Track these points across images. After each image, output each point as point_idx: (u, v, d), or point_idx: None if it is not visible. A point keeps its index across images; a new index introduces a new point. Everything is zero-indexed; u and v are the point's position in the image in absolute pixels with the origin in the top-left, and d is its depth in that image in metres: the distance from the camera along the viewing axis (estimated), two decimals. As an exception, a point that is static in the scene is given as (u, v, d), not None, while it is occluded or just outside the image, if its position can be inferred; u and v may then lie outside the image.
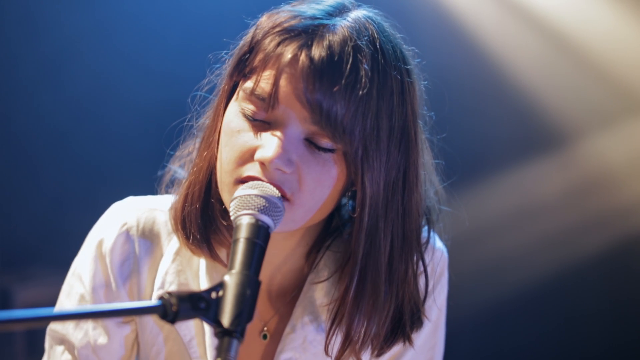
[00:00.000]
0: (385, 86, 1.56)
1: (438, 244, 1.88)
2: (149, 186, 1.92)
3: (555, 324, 3.36)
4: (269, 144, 1.54)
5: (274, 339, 1.78)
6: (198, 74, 1.76)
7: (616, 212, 3.25)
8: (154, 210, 1.80)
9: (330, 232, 1.79)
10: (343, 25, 1.57)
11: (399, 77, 1.59)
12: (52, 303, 1.87)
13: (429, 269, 1.82)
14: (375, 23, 1.62)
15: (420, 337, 1.85)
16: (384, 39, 1.60)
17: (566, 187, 3.29)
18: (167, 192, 1.86)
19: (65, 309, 1.73)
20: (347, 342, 1.69)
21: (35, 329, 2.81)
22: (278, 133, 1.55)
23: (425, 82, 1.71)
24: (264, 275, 1.76)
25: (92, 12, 3.22)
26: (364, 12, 1.64)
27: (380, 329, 1.70)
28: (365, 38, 1.57)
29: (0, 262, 3.19)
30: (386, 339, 1.72)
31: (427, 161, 1.74)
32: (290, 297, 1.79)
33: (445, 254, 1.89)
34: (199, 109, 1.76)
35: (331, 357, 1.72)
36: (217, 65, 1.71)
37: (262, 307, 1.79)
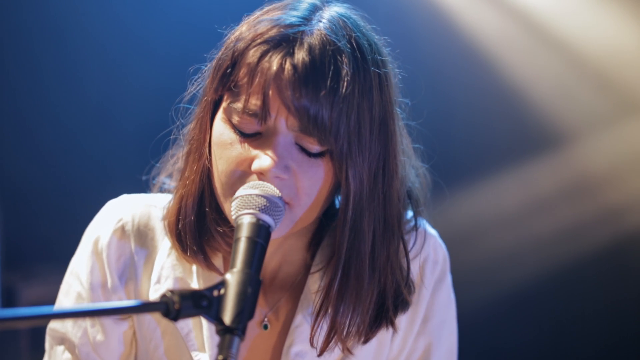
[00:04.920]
0: (365, 82, 1.59)
1: (431, 230, 1.90)
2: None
3: (550, 323, 3.37)
4: (264, 154, 1.57)
5: (276, 329, 1.80)
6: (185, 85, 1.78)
7: (611, 212, 3.26)
8: (149, 205, 1.82)
9: (327, 224, 1.81)
10: (320, 28, 1.59)
11: (376, 70, 1.62)
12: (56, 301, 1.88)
13: (430, 257, 1.85)
14: (347, 19, 1.65)
15: (447, 321, 1.89)
16: (359, 34, 1.63)
17: (561, 186, 3.30)
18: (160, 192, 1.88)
19: (69, 308, 1.75)
20: (332, 332, 1.71)
21: (39, 326, 2.82)
22: (271, 142, 1.57)
23: (400, 70, 1.73)
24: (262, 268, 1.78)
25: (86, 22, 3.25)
26: (336, 9, 1.67)
27: (364, 317, 1.72)
28: (342, 37, 1.59)
29: (5, 260, 3.21)
30: (370, 325, 1.74)
31: (406, 145, 1.77)
32: (289, 287, 1.81)
33: (441, 242, 1.91)
34: (182, 120, 1.77)
35: (316, 348, 1.74)
36: (197, 76, 1.73)
37: (262, 299, 1.80)
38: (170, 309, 1.31)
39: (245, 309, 1.36)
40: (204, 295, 1.34)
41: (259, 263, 1.44)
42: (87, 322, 1.78)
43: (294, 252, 1.80)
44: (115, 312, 1.48)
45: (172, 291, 1.32)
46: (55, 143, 3.29)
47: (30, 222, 3.30)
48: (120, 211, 1.81)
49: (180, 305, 1.31)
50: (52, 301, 1.86)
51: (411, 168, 1.81)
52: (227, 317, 1.34)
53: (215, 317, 1.35)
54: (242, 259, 1.43)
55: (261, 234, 1.48)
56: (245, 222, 1.49)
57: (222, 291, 1.37)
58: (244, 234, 1.47)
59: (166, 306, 1.31)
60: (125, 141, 3.34)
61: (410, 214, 1.83)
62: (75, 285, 1.79)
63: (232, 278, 1.38)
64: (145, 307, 1.38)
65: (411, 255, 1.80)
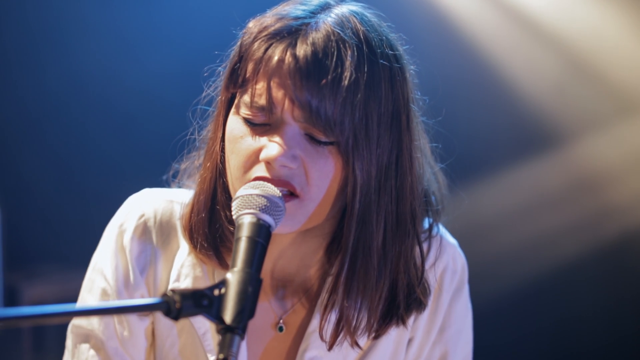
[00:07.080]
0: (373, 75, 1.59)
1: (450, 239, 1.90)
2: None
3: (550, 321, 3.38)
4: (272, 143, 1.58)
5: (292, 332, 1.80)
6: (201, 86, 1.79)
7: (611, 211, 3.27)
8: (171, 201, 1.82)
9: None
10: (326, 21, 1.60)
11: (386, 64, 1.62)
12: (58, 300, 1.88)
13: (449, 267, 1.86)
14: (358, 15, 1.65)
15: (464, 330, 1.89)
16: (368, 28, 1.63)
17: (561, 186, 3.31)
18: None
19: (69, 307, 1.75)
20: (340, 325, 1.72)
21: (42, 325, 2.83)
22: (279, 132, 1.58)
23: (414, 67, 1.73)
24: (278, 269, 1.78)
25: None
26: (348, 7, 1.67)
27: (374, 311, 1.71)
28: (349, 30, 1.60)
29: (7, 260, 3.22)
30: (381, 321, 1.74)
31: (423, 144, 1.76)
32: (307, 291, 1.81)
33: (460, 252, 1.91)
34: (200, 122, 1.78)
35: (326, 341, 1.74)
36: (213, 79, 1.74)
37: (279, 301, 1.80)
38: (171, 308, 1.32)
39: (246, 308, 1.37)
40: (204, 294, 1.35)
41: (260, 262, 1.45)
42: (114, 319, 1.77)
43: (313, 255, 1.79)
44: (118, 311, 1.49)
45: (173, 290, 1.32)
46: (57, 143, 3.30)
47: (32, 221, 3.31)
48: (143, 206, 1.81)
49: (181, 305, 1.31)
50: (53, 300, 1.86)
51: (428, 167, 1.81)
52: (228, 316, 1.35)
53: (216, 316, 1.35)
54: (242, 258, 1.43)
55: (261, 234, 1.48)
56: (245, 221, 1.50)
57: (222, 290, 1.37)
58: (244, 233, 1.48)
59: (167, 305, 1.31)
60: (127, 141, 3.35)
61: (426, 222, 1.83)
62: (99, 282, 1.79)
63: (233, 277, 1.39)
64: (147, 307, 1.39)
65: (415, 253, 1.79)
